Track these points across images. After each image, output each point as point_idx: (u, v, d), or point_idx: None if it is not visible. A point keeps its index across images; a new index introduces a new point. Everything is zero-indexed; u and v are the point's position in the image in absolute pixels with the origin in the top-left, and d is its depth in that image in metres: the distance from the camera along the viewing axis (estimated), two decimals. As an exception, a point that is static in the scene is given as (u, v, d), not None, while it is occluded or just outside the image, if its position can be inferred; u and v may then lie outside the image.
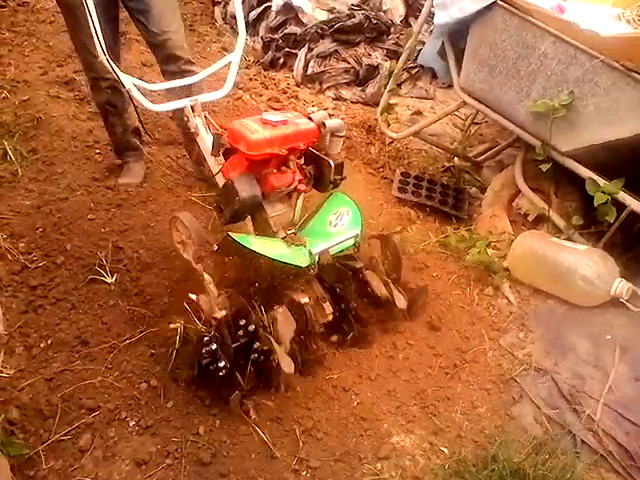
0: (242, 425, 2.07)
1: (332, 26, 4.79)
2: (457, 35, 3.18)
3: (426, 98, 4.89)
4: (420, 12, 3.56)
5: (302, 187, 2.36)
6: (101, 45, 2.28)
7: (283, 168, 2.30)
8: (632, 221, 2.73)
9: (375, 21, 4.88)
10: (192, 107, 2.48)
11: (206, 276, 2.22)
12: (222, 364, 2.00)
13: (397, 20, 5.16)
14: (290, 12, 5.03)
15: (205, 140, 2.47)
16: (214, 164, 2.47)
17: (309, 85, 4.85)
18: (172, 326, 2.15)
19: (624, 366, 2.36)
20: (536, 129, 2.88)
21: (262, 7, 5.21)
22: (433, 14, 3.20)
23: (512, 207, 3.22)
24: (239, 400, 2.06)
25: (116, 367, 2.22)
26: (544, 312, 2.70)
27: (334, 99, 4.75)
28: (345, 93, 4.77)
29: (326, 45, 4.81)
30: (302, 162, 2.39)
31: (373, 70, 4.78)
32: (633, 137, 2.53)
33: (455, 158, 3.91)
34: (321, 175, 2.42)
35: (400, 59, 3.68)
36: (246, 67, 4.90)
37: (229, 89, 2.61)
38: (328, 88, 4.79)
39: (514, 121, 3.00)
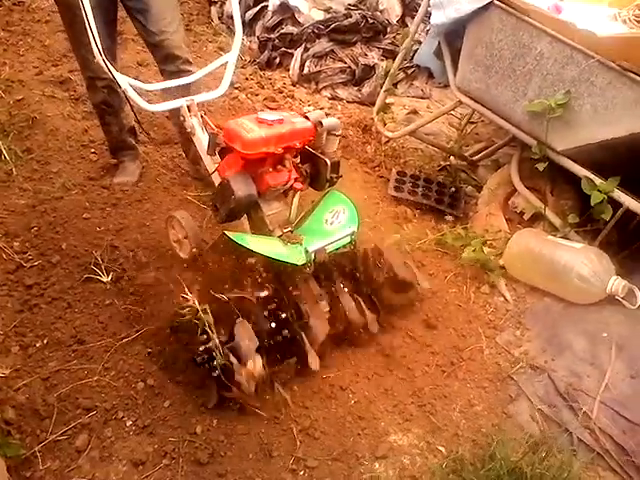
0: (239, 425, 2.07)
1: (328, 26, 4.79)
2: (453, 35, 3.18)
3: (422, 98, 4.90)
4: (416, 12, 3.57)
5: (298, 185, 2.37)
6: (97, 46, 2.28)
7: (279, 167, 2.31)
8: (628, 219, 2.72)
9: (371, 21, 4.88)
10: (188, 107, 2.48)
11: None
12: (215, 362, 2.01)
13: (393, 20, 5.17)
14: (286, 12, 5.03)
15: (201, 139, 2.47)
16: (210, 163, 2.48)
17: (305, 85, 4.85)
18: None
19: (620, 364, 2.36)
20: (532, 128, 2.88)
21: (258, 7, 5.21)
22: (429, 14, 3.20)
23: (508, 205, 3.22)
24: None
25: (113, 366, 2.21)
26: (540, 310, 2.70)
27: (330, 99, 4.75)
28: (341, 93, 4.76)
29: (322, 45, 4.80)
30: (298, 161, 2.39)
31: (369, 70, 4.78)
32: (629, 136, 2.54)
33: (451, 157, 3.90)
34: (317, 174, 2.43)
35: (396, 59, 3.68)
36: (242, 67, 4.90)
37: (225, 89, 2.61)
38: (324, 88, 4.79)
39: (510, 120, 3.00)
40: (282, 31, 4.96)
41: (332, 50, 4.82)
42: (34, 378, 2.12)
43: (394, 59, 3.78)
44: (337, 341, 2.38)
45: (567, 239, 2.81)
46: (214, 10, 5.70)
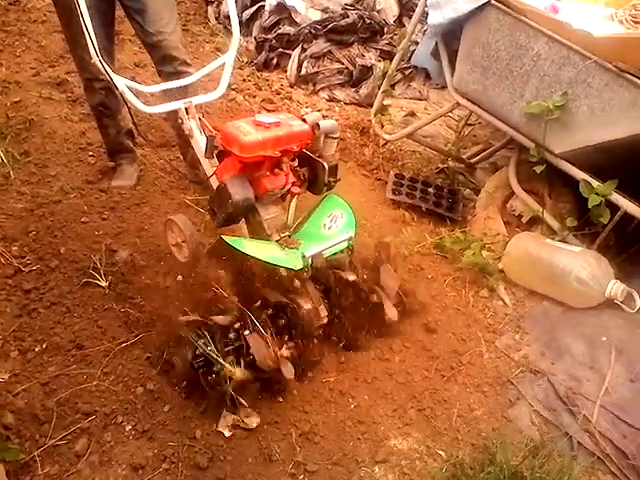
0: (238, 429, 2.06)
1: (326, 26, 4.78)
2: (450, 35, 3.18)
3: (420, 99, 4.90)
4: (413, 12, 3.56)
5: (296, 189, 2.36)
6: (94, 47, 2.26)
7: (276, 170, 2.30)
8: (626, 222, 2.73)
9: (369, 21, 4.88)
10: (186, 109, 2.47)
11: None
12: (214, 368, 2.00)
13: (391, 20, 5.17)
14: (283, 12, 5.02)
15: (199, 142, 2.46)
16: (208, 166, 2.47)
17: (303, 86, 4.85)
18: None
19: (620, 367, 2.37)
20: (530, 130, 2.88)
21: (255, 7, 5.21)
22: (427, 14, 3.20)
23: (506, 209, 3.23)
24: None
25: (112, 371, 2.20)
26: (539, 314, 2.70)
27: (328, 100, 4.75)
28: (339, 94, 4.76)
29: (320, 45, 4.80)
30: (296, 164, 2.39)
31: (367, 71, 4.79)
32: (626, 138, 2.54)
33: (449, 160, 3.91)
34: (315, 177, 2.42)
35: (394, 60, 3.68)
36: (239, 68, 4.90)
37: (223, 91, 2.60)
38: (322, 89, 4.79)
39: (508, 122, 3.01)
40: (279, 31, 4.96)
41: (329, 51, 4.82)
42: (33, 383, 2.11)
43: (391, 60, 3.79)
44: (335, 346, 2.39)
45: (565, 242, 2.82)
46: (211, 10, 5.69)
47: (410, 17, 4.33)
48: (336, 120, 3.04)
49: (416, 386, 2.32)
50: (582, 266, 2.56)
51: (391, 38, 5.00)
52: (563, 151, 2.78)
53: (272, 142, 2.18)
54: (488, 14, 2.89)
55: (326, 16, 4.90)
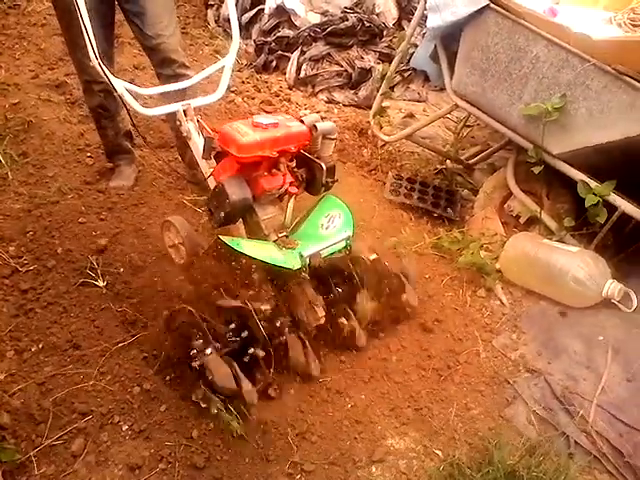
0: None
1: (325, 29, 4.80)
2: (449, 38, 3.19)
3: (418, 101, 4.91)
4: (413, 15, 3.57)
5: (293, 190, 2.36)
6: (94, 50, 2.27)
7: (274, 171, 2.30)
8: (623, 223, 2.73)
9: (368, 24, 4.89)
10: (185, 111, 2.48)
11: None
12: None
13: (390, 23, 5.17)
14: (283, 15, 5.04)
15: (197, 143, 2.47)
16: (206, 167, 2.47)
17: (302, 88, 4.86)
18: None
19: (616, 367, 2.37)
20: (528, 132, 2.89)
21: (255, 10, 5.22)
22: (426, 17, 3.21)
23: (504, 209, 3.23)
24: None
25: (108, 371, 2.20)
26: (536, 313, 2.70)
27: (327, 102, 4.77)
28: (338, 96, 4.77)
29: (319, 48, 4.81)
30: (294, 165, 2.39)
31: (366, 73, 4.80)
32: (624, 140, 2.55)
33: (447, 160, 3.91)
34: (313, 178, 2.43)
35: (393, 62, 3.69)
36: (239, 70, 4.91)
37: (222, 93, 2.61)
38: (321, 91, 4.80)
39: (506, 124, 3.01)
40: (278, 34, 4.98)
41: (328, 53, 4.83)
42: (29, 383, 2.11)
43: (390, 62, 3.79)
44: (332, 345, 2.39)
45: (563, 243, 2.82)
46: (210, 13, 5.71)
47: (409, 20, 4.35)
48: (335, 122, 3.04)
49: (413, 386, 2.32)
50: (579, 266, 2.56)
51: (390, 41, 5.01)
52: (561, 152, 2.78)
53: (270, 143, 2.18)
54: (487, 17, 2.90)
55: (325, 19, 4.92)
